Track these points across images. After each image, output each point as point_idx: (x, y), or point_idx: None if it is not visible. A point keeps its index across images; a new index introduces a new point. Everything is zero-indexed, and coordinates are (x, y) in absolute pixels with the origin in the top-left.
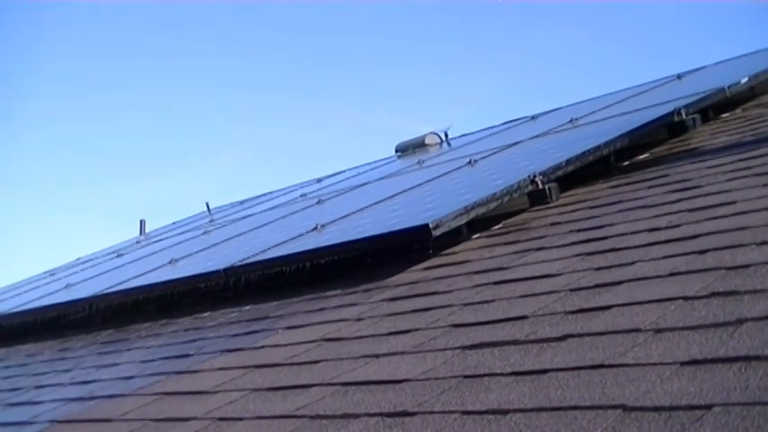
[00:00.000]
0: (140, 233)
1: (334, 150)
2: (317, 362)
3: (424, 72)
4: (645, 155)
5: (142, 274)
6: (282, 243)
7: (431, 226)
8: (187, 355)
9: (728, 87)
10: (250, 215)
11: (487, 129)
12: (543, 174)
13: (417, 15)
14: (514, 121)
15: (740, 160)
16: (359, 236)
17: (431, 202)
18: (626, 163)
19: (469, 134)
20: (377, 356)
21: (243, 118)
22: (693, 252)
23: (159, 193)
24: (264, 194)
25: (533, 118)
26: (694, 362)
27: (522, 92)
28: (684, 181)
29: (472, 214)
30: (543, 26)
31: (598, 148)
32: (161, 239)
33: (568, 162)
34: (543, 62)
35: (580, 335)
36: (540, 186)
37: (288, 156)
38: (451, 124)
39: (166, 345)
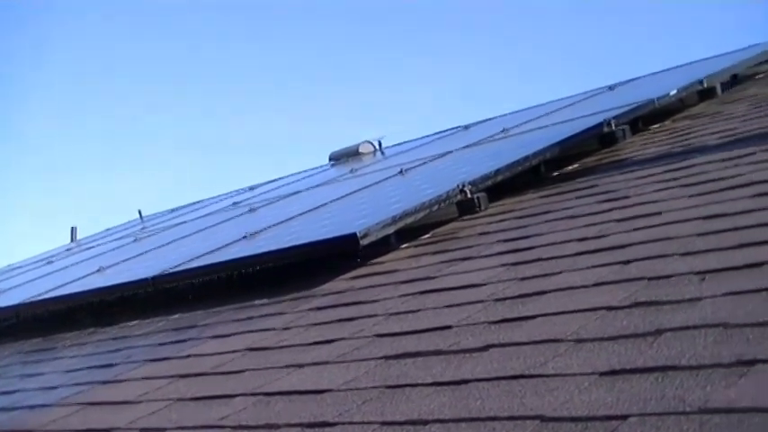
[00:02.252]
0: (71, 240)
1: (269, 158)
2: (242, 371)
3: (359, 81)
4: (575, 165)
5: (71, 282)
6: (212, 251)
7: (359, 235)
8: (112, 365)
9: (658, 99)
10: (181, 223)
11: (421, 138)
12: (473, 183)
13: (353, 22)
14: (448, 130)
15: (668, 171)
16: (287, 244)
17: (361, 211)
18: (556, 173)
19: (403, 143)
20: (301, 366)
21: (178, 122)
22: (619, 262)
23: (92, 200)
24: (197, 202)
25: (466, 128)
26: (613, 372)
27: (458, 101)
28: (613, 191)
29: (400, 224)
30: (482, 36)
31: (527, 158)
32: (92, 247)
33: (498, 172)
34: (481, 72)
35: (502, 345)
36: (470, 196)
37: (223, 163)
38: (385, 134)
39: (92, 354)
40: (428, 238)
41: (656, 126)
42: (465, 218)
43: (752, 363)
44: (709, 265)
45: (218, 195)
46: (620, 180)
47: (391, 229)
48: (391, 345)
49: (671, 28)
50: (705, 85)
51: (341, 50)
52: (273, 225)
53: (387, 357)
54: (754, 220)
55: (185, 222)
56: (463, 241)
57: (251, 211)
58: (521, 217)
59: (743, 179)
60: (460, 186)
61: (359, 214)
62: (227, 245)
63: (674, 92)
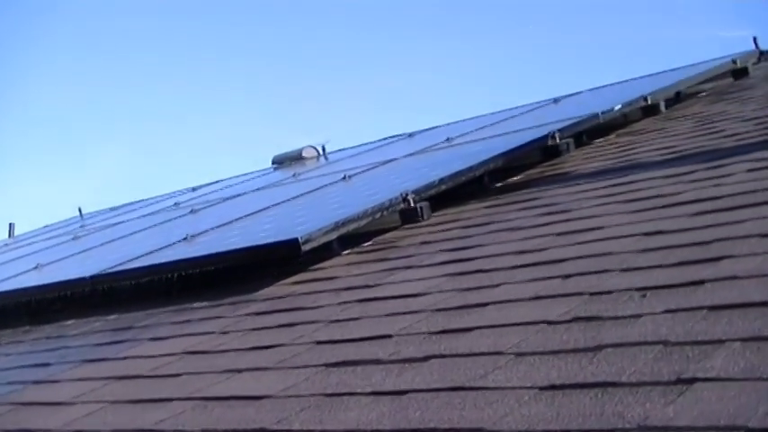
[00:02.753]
0: (9, 236)
1: (214, 158)
2: (179, 375)
3: (305, 84)
4: (519, 177)
5: (7, 279)
6: (152, 252)
7: (300, 240)
8: (47, 365)
9: (602, 114)
10: (122, 222)
11: (365, 144)
12: (416, 192)
13: (297, 24)
14: (392, 137)
15: (609, 186)
16: (228, 248)
17: (303, 216)
18: (500, 184)
19: (348, 149)
20: (239, 371)
21: (121, 122)
22: (559, 276)
23: (32, 197)
24: (138, 201)
25: (410, 135)
26: (552, 387)
27: (403, 108)
28: (554, 204)
29: (342, 230)
30: (427, 41)
31: (471, 168)
32: (30, 243)
33: (441, 181)
34: (427, 80)
35: (442, 356)
36: (412, 205)
37: (167, 162)
38: (330, 138)
39: (27, 353)
40: (370, 245)
41: (599, 140)
42: (407, 226)
43: (691, 381)
44: (650, 282)
45: (160, 195)
46: (563, 193)
47: (333, 235)
48: (331, 352)
49: (617, 43)
50: (649, 102)
51: (288, 54)
52: (215, 227)
53: (326, 365)
54: (693, 238)
55: (126, 222)
56: (405, 250)
57: (192, 212)
58: (463, 227)
59: (683, 197)
60: (403, 195)
61: (301, 219)
62: (167, 246)
63: (618, 107)
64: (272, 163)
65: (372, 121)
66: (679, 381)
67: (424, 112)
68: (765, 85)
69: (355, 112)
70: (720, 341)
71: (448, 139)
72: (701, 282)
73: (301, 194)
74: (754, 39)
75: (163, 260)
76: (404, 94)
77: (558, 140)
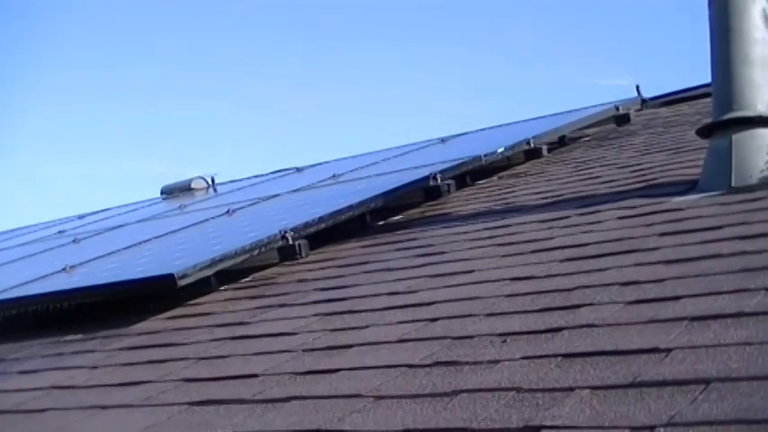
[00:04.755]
0: None
1: (107, 185)
2: (44, 410)
3: (197, 113)
4: (400, 216)
5: None
6: (28, 282)
7: (176, 276)
8: None
9: (485, 156)
10: (2, 249)
11: (254, 177)
12: (295, 230)
13: (192, 48)
14: (281, 171)
15: (486, 229)
16: (104, 281)
17: (183, 250)
18: (381, 223)
19: (237, 180)
20: (104, 408)
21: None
22: (426, 319)
23: None
24: (21, 228)
25: (299, 170)
26: (406, 431)
27: (298, 140)
28: (430, 246)
29: (219, 266)
30: (318, 77)
31: (351, 207)
32: None
33: (321, 219)
34: (319, 114)
35: (304, 397)
36: (291, 242)
37: (58, 189)
38: (218, 171)
39: None
40: (248, 281)
41: (482, 182)
42: (286, 263)
43: (537, 429)
44: (511, 328)
45: (46, 222)
46: (440, 235)
47: (209, 272)
48: (197, 390)
49: (508, 86)
50: (532, 145)
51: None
52: (95, 258)
53: (191, 403)
54: (558, 284)
55: (5, 249)
56: (281, 287)
57: (75, 241)
58: (339, 266)
59: (555, 242)
60: (282, 232)
61: (180, 253)
62: (44, 276)
63: (501, 149)
64: (161, 193)
65: (274, 151)
66: (526, 428)
67: (319, 146)
68: (645, 132)
69: (258, 141)
70: (570, 389)
71: (334, 176)
72: (559, 329)
73: (184, 227)
74: (637, 87)
75: (38, 291)
76: (309, 124)
77: (439, 181)
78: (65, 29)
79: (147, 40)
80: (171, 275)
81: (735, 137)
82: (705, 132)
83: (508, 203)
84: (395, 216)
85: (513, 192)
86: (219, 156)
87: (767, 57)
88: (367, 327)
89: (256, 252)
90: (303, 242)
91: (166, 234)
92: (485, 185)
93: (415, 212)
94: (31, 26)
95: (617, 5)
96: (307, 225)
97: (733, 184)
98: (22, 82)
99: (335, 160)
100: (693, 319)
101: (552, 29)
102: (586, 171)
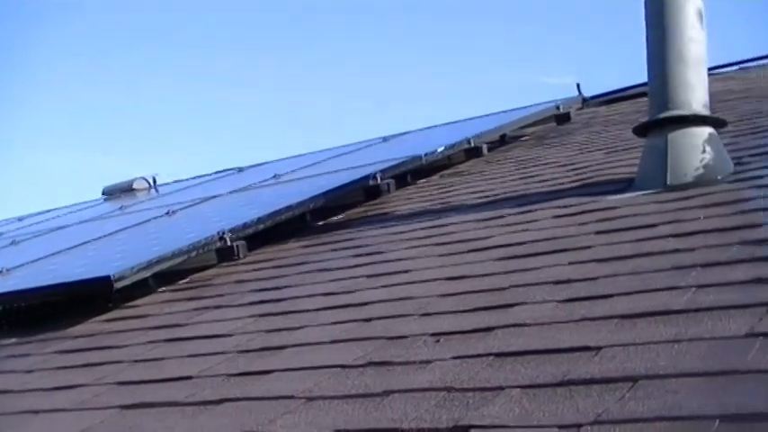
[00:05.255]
0: None
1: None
2: None
3: (140, 112)
4: (340, 216)
5: None
6: None
7: (113, 278)
8: None
9: (425, 155)
10: None
11: (196, 177)
12: (233, 231)
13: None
14: (224, 171)
15: (424, 228)
16: (41, 283)
17: (121, 251)
18: (321, 223)
19: (180, 181)
20: (37, 413)
21: None
22: (360, 319)
23: None
24: None
25: (240, 170)
26: None
27: (241, 140)
28: (368, 246)
29: (156, 268)
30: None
31: (290, 207)
32: None
33: (260, 220)
34: (261, 115)
35: (237, 399)
36: (229, 243)
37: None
38: (159, 171)
39: None
40: (186, 283)
41: (423, 181)
42: (225, 265)
43: (466, 428)
44: (444, 328)
45: None
46: (378, 235)
47: (146, 274)
48: (131, 393)
49: (455, 83)
50: (472, 144)
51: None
52: (33, 261)
53: (123, 407)
54: (492, 283)
55: None
56: (218, 289)
57: (14, 243)
58: (277, 267)
59: (491, 241)
60: (220, 233)
61: (119, 255)
62: None
63: (441, 149)
64: (103, 194)
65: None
66: (455, 427)
67: (262, 146)
68: (584, 130)
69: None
70: (501, 388)
71: (275, 176)
72: (492, 328)
73: (124, 229)
74: (578, 85)
75: None
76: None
77: (379, 181)
78: None
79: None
80: (107, 278)
81: (670, 135)
82: (641, 131)
83: (447, 203)
84: (335, 216)
85: (453, 191)
86: (167, 154)
87: (702, 56)
88: (302, 327)
89: (194, 253)
90: (241, 243)
91: (106, 236)
92: (425, 185)
93: (355, 212)
94: None
95: (563, 3)
96: (245, 226)
97: (668, 183)
98: None
99: (277, 160)
100: (624, 317)
101: (498, 27)
102: (525, 170)
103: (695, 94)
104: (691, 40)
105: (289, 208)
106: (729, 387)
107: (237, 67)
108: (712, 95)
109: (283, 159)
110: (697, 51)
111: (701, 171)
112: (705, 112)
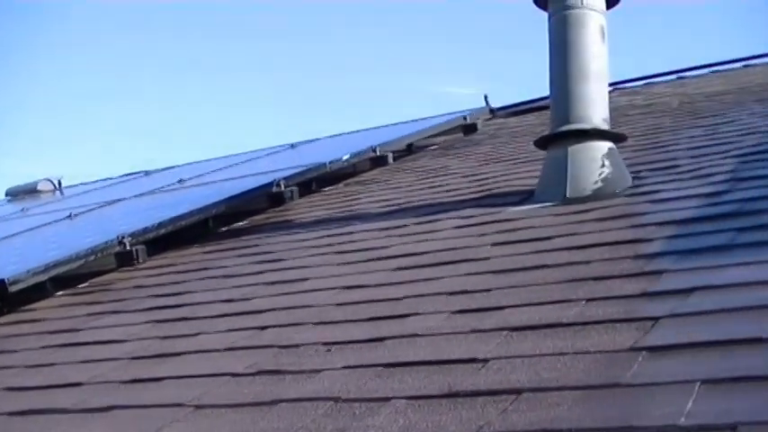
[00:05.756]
0: None
1: None
2: None
3: (46, 111)
4: (244, 222)
5: None
6: None
7: (7, 282)
8: None
9: (330, 163)
10: None
11: (102, 180)
12: (133, 235)
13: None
14: (130, 174)
15: (326, 236)
16: None
17: (19, 254)
18: (224, 229)
19: (86, 183)
20: None
21: None
22: (256, 327)
23: None
24: None
25: (147, 173)
26: None
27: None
28: (270, 253)
29: (54, 272)
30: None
31: (192, 213)
32: None
33: (161, 225)
34: (175, 117)
35: (125, 407)
36: (128, 248)
37: None
38: (64, 174)
39: None
40: (85, 287)
41: (328, 189)
42: (125, 269)
43: None
44: (338, 337)
45: None
46: (280, 242)
47: (43, 277)
48: (19, 400)
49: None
50: (378, 153)
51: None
52: None
53: (11, 413)
54: (388, 293)
55: None
56: (117, 293)
57: None
58: (178, 272)
59: (390, 251)
60: (120, 237)
61: (16, 258)
62: None
63: (346, 157)
64: (6, 195)
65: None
66: None
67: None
68: (491, 141)
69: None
70: (387, 399)
71: (180, 181)
72: (384, 338)
73: (24, 231)
74: (485, 97)
75: None
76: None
77: (282, 188)
78: None
79: None
80: (1, 281)
81: (570, 149)
82: (542, 144)
83: (350, 211)
84: (239, 222)
85: (357, 199)
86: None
87: (604, 71)
88: (198, 334)
89: (92, 257)
90: (141, 248)
91: (4, 238)
92: (330, 192)
93: (259, 218)
94: None
95: (474, 15)
96: (146, 230)
97: (567, 195)
98: None
99: (184, 165)
100: (513, 329)
101: (409, 37)
102: (430, 180)
103: (596, 108)
104: (592, 56)
105: (191, 213)
106: (609, 400)
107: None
108: (617, 109)
109: (190, 164)
110: (598, 67)
111: (599, 185)
112: (605, 126)
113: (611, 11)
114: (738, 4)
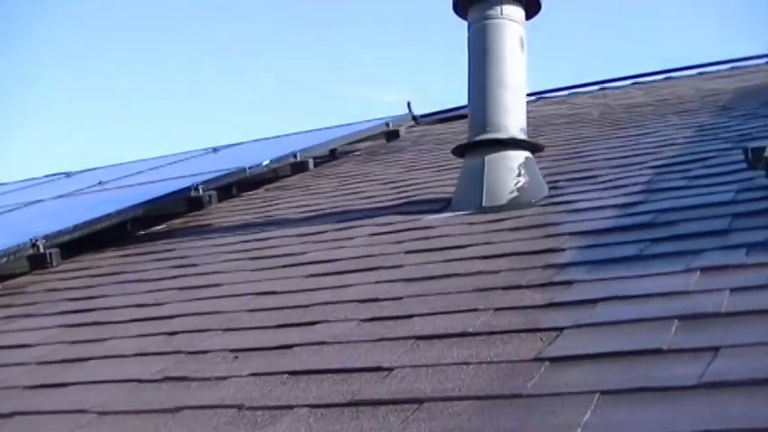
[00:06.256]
0: None
1: None
2: None
3: None
4: (162, 226)
5: None
6: None
7: None
8: None
9: (249, 168)
10: None
11: (25, 180)
12: (47, 238)
13: None
14: (52, 175)
15: (242, 241)
16: None
17: None
18: (142, 233)
19: (4, 184)
20: None
21: None
22: (166, 333)
23: None
24: None
25: (68, 175)
26: None
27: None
28: (185, 257)
29: None
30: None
31: (110, 216)
32: None
33: (76, 228)
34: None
35: (29, 413)
36: (42, 250)
37: None
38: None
39: None
40: None
41: (249, 194)
42: (39, 272)
43: None
44: (246, 344)
45: None
46: (197, 246)
47: None
48: None
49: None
50: (298, 159)
51: None
52: None
53: None
54: (300, 300)
55: None
56: (29, 297)
57: None
58: (92, 276)
59: (306, 257)
60: (33, 240)
61: None
62: None
63: (266, 162)
64: None
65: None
66: None
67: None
68: (414, 148)
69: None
70: (290, 407)
71: (100, 183)
72: (292, 346)
73: None
74: (408, 103)
75: None
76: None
77: (201, 192)
78: None
79: None
80: None
81: (487, 158)
82: (459, 152)
83: (269, 216)
84: (158, 226)
85: (277, 205)
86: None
87: (522, 82)
88: (108, 339)
89: (4, 260)
90: (55, 251)
91: None
92: (251, 197)
93: (177, 223)
94: None
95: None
96: (61, 233)
97: (483, 204)
98: None
99: (105, 167)
100: (420, 337)
101: (334, 41)
102: (351, 186)
103: (513, 118)
104: (511, 66)
105: (108, 216)
106: (509, 411)
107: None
108: (541, 119)
109: (112, 166)
110: (516, 77)
111: (515, 194)
112: (522, 136)
113: (530, 21)
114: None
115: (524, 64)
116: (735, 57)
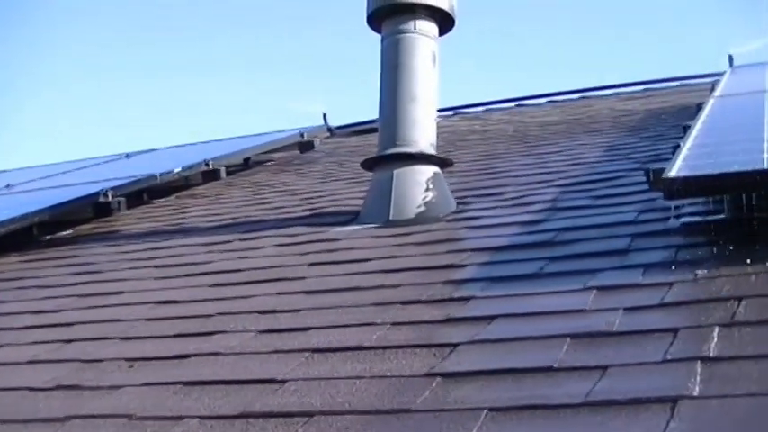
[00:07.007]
0: None
1: None
2: None
3: None
4: (69, 231)
5: None
6: None
7: None
8: None
9: (160, 175)
10: None
11: None
12: None
13: None
14: None
15: (149, 249)
16: None
17: None
18: (47, 238)
19: None
20: None
21: None
22: (62, 340)
23: None
24: None
25: None
26: None
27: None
28: (89, 264)
29: None
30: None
31: (13, 220)
32: None
33: None
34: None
35: None
36: None
37: None
38: None
39: None
40: None
41: (160, 201)
42: None
43: None
44: (142, 353)
45: None
46: (102, 253)
47: None
48: None
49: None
50: (210, 167)
51: None
52: None
53: None
54: (200, 309)
55: None
56: None
57: None
58: None
59: (210, 266)
60: None
61: None
62: None
63: (178, 169)
64: None
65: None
66: None
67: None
68: (327, 160)
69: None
70: (181, 417)
71: (8, 186)
72: (188, 356)
73: None
74: (324, 115)
75: None
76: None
77: (109, 198)
78: None
79: None
80: None
81: (396, 172)
82: (369, 165)
83: (177, 224)
84: (64, 231)
85: (186, 213)
86: None
87: (433, 97)
88: (2, 346)
89: None
90: None
91: None
92: (161, 205)
93: (84, 228)
94: None
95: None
96: None
97: (391, 218)
98: None
99: (14, 170)
100: (315, 350)
101: (250, 49)
102: (262, 196)
103: (423, 132)
104: (422, 81)
105: (12, 220)
106: (397, 426)
107: None
108: (454, 134)
109: (21, 169)
110: (427, 91)
111: (422, 209)
112: (431, 150)
113: (443, 37)
114: None
115: (436, 79)
116: (647, 79)
